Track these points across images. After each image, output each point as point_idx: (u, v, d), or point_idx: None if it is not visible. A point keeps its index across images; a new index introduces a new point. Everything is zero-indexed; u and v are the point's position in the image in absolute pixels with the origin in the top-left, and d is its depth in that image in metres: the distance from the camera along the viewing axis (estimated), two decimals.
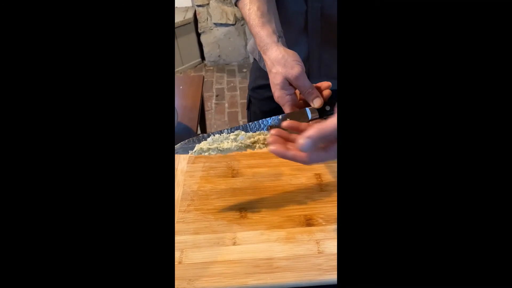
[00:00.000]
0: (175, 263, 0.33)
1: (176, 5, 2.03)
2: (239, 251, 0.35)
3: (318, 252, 0.34)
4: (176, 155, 0.47)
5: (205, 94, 1.85)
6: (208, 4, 1.97)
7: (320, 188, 0.42)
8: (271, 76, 0.38)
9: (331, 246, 0.35)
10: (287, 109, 0.38)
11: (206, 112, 1.41)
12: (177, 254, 0.34)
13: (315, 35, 0.48)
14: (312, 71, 0.51)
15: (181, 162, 0.46)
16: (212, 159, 0.47)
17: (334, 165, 0.45)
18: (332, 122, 0.28)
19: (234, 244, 0.35)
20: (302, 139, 0.28)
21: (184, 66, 2.09)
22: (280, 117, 0.37)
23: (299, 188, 0.42)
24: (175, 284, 0.32)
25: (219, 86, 1.99)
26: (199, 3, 1.97)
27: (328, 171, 0.44)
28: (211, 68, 2.16)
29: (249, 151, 0.37)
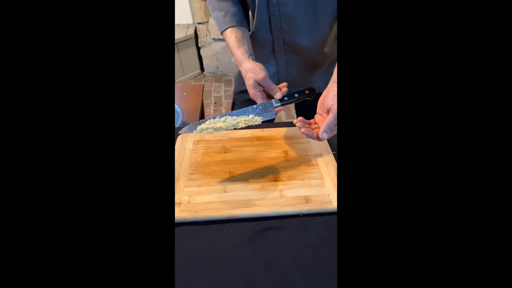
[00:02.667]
0: (187, 203, 0.51)
1: (178, 22, 2.25)
2: (228, 196, 0.52)
3: (280, 196, 0.52)
4: (184, 138, 0.65)
5: (204, 102, 2.03)
6: (207, 21, 2.19)
7: (286, 159, 0.60)
8: (246, 81, 0.57)
9: (289, 193, 0.52)
10: (259, 102, 0.56)
11: (205, 117, 1.60)
12: (187, 198, 0.52)
13: (280, 56, 0.66)
14: (281, 81, 0.70)
15: (188, 143, 0.64)
16: (210, 141, 0.65)
17: (297, 145, 0.63)
18: (330, 117, 0.48)
19: (225, 192, 0.53)
20: (322, 134, 0.49)
21: (185, 77, 2.29)
22: (254, 106, 0.56)
23: (271, 159, 0.60)
24: (186, 214, 0.49)
25: (217, 95, 2.18)
26: (199, 21, 2.19)
27: (292, 149, 0.62)
28: (210, 78, 2.36)
29: (234, 129, 0.55)
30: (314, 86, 0.64)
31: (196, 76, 2.37)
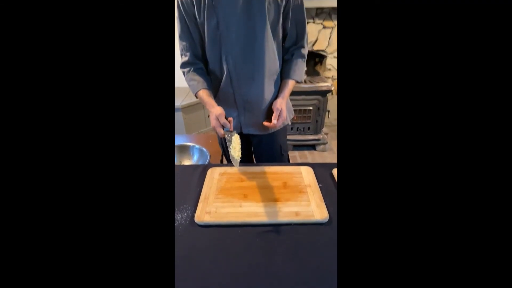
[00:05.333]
0: (214, 212, 0.74)
1: None
2: (243, 209, 0.76)
3: (279, 211, 0.75)
4: (212, 171, 0.91)
5: None
6: None
7: (284, 188, 0.84)
8: (211, 116, 0.88)
9: (285, 209, 0.75)
10: (218, 130, 0.85)
11: (224, 160, 1.86)
12: (214, 209, 0.75)
13: (240, 106, 0.99)
14: (241, 122, 1.02)
15: (215, 174, 0.90)
16: (231, 174, 0.90)
17: (293, 178, 0.87)
18: (275, 113, 0.88)
19: (240, 207, 0.77)
20: (273, 120, 0.86)
21: (207, 128, 2.64)
22: (225, 137, 0.85)
23: (273, 187, 0.84)
24: (213, 220, 0.72)
25: None
26: None
27: (289, 181, 0.86)
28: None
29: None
30: (259, 123, 1.00)
31: None
